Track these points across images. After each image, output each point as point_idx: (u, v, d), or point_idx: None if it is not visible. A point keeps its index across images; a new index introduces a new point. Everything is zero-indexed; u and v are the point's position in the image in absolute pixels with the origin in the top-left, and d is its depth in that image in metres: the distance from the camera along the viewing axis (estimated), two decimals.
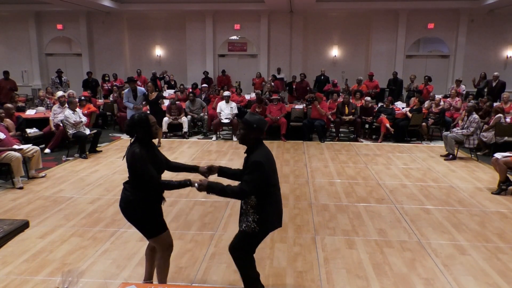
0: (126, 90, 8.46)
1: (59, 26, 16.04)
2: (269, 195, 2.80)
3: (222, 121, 9.63)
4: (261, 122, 2.80)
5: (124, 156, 2.87)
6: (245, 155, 2.87)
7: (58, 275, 3.27)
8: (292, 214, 4.92)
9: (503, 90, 11.05)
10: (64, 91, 10.90)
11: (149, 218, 2.86)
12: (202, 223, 4.65)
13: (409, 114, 9.33)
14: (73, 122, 7.61)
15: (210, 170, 2.97)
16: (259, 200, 2.76)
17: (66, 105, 8.04)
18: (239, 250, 2.90)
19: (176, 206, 5.14)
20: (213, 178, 3.02)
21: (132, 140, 2.88)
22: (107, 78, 13.33)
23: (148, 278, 3.11)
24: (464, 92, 11.67)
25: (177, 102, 10.17)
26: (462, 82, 12.01)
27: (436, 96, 10.61)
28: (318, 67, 14.81)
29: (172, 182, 2.84)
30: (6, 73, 11.56)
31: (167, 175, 3.18)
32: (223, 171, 2.99)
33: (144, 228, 2.89)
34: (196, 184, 2.71)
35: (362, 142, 9.50)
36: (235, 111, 9.98)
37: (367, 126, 10.07)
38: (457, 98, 10.47)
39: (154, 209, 2.88)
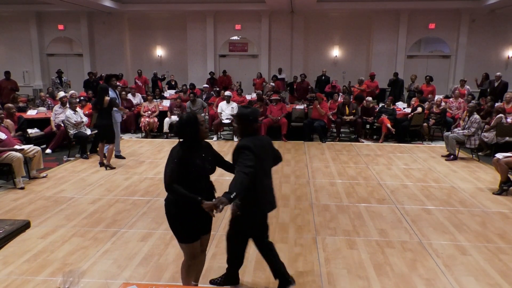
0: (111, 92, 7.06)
1: (60, 27, 16.07)
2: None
3: (223, 121, 9.64)
4: (256, 112, 2.97)
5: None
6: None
7: (59, 275, 3.27)
8: (293, 214, 4.92)
9: (506, 90, 11.01)
10: (65, 91, 10.93)
11: (179, 222, 2.78)
12: None
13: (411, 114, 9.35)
14: (74, 122, 7.62)
15: (216, 206, 2.55)
16: None
17: (67, 105, 8.05)
18: (229, 238, 3.17)
19: None
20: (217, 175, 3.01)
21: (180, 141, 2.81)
22: None
23: (194, 280, 3.09)
24: (470, 96, 11.58)
25: (181, 103, 10.19)
26: (466, 82, 11.97)
27: (437, 96, 10.56)
28: (319, 67, 14.82)
29: (182, 192, 2.65)
30: (7, 73, 11.59)
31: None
32: (222, 165, 3.04)
33: (173, 230, 2.84)
34: (218, 211, 2.52)
35: (363, 142, 9.50)
36: (236, 111, 9.97)
37: (368, 126, 10.07)
38: (460, 100, 10.38)
39: (186, 214, 2.74)
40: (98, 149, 7.18)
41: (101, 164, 6.98)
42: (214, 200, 2.60)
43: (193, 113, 2.79)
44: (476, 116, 7.52)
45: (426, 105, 9.99)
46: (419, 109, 9.31)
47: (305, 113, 10.14)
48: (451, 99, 10.76)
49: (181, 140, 2.79)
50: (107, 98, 6.69)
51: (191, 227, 2.79)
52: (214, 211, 2.55)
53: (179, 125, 2.77)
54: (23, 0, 14.91)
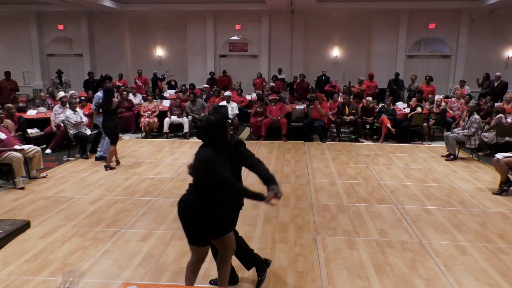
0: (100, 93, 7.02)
1: (60, 27, 16.07)
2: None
3: None
4: (227, 111, 3.11)
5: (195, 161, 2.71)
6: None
7: (59, 275, 3.28)
8: (293, 215, 4.92)
9: (505, 90, 11.01)
10: (65, 92, 10.93)
11: (194, 225, 2.71)
12: None
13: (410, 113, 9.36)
14: (74, 122, 7.62)
15: (276, 195, 2.67)
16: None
17: (67, 105, 8.05)
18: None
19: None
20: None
21: (204, 143, 2.71)
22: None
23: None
24: (468, 96, 11.56)
25: (181, 103, 10.18)
26: (465, 83, 11.96)
27: (437, 96, 10.56)
28: (319, 67, 14.83)
29: (246, 189, 2.66)
30: (7, 73, 11.58)
31: None
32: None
33: (185, 231, 2.77)
34: (276, 198, 2.64)
35: (363, 142, 9.49)
36: (236, 111, 9.97)
37: (368, 126, 10.07)
38: (462, 100, 10.33)
39: (204, 218, 2.69)
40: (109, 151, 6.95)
41: (107, 167, 6.87)
42: (270, 192, 2.64)
43: (221, 116, 2.71)
44: (476, 116, 7.52)
45: (427, 105, 10.00)
46: (419, 109, 9.32)
47: (305, 113, 10.15)
48: (453, 99, 10.75)
49: (204, 143, 2.71)
50: (115, 100, 6.70)
51: (205, 231, 2.74)
52: (274, 200, 2.64)
53: (208, 127, 2.64)
54: (23, 0, 14.91)
